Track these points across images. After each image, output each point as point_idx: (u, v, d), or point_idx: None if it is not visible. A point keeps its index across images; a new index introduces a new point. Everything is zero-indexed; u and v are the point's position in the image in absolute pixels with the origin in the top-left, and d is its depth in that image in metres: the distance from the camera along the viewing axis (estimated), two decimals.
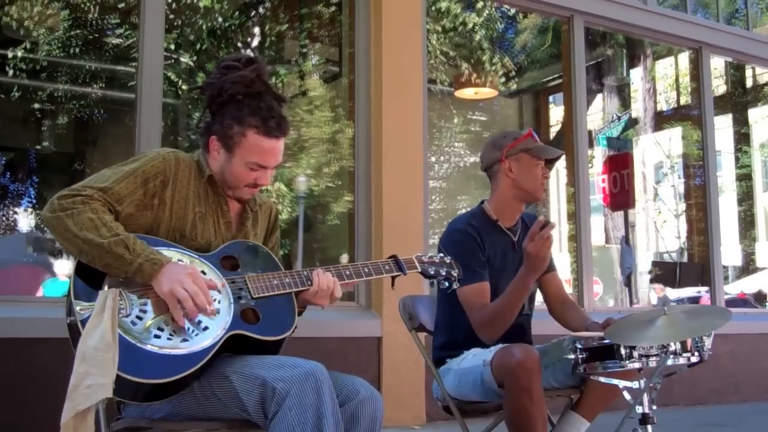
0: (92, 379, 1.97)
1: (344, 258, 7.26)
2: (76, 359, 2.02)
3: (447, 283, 2.71)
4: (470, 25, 9.58)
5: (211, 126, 2.44)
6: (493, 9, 9.63)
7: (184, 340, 2.11)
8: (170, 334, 2.11)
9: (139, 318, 2.11)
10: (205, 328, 2.16)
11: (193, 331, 2.14)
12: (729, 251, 12.53)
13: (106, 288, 2.13)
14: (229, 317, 2.21)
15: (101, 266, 2.15)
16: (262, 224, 2.63)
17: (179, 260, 2.26)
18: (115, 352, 1.99)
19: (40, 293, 8.12)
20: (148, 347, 2.06)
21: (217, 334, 2.16)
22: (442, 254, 2.82)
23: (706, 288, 7.73)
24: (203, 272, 2.26)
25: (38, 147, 10.03)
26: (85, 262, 2.17)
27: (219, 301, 2.24)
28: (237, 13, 8.73)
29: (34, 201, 10.54)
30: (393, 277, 2.60)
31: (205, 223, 2.40)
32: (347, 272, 2.50)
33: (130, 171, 2.30)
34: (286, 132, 2.44)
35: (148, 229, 2.32)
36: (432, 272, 2.68)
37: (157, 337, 2.09)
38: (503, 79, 10.27)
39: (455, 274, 2.71)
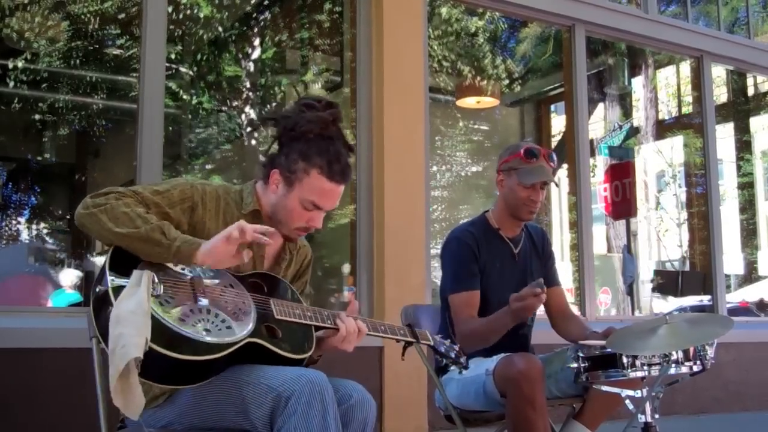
0: (126, 339, 1.99)
1: (346, 268, 7.24)
2: (110, 323, 2.03)
3: (453, 366, 2.76)
4: (472, 31, 9.58)
5: (276, 158, 2.47)
6: (495, 17, 9.62)
7: (207, 330, 2.13)
8: (193, 324, 2.13)
9: (167, 302, 2.14)
10: (228, 327, 2.18)
11: (216, 326, 2.15)
12: (731, 260, 12.50)
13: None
14: (252, 325, 2.23)
15: (143, 256, 2.20)
16: (294, 267, 2.66)
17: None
18: (149, 321, 2.02)
19: (48, 304, 8.11)
20: (173, 326, 2.08)
21: (239, 336, 2.17)
22: (450, 340, 2.81)
23: (708, 297, 7.71)
24: (231, 285, 2.30)
25: (40, 158, 10.04)
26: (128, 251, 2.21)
27: (246, 312, 2.25)
28: (237, 23, 8.74)
29: (35, 212, 10.55)
30: (405, 345, 2.65)
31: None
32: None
33: (159, 189, 2.34)
34: (348, 179, 2.48)
35: None
36: (443, 350, 2.72)
37: (182, 321, 2.11)
38: (506, 86, 10.27)
39: (462, 361, 2.73)
